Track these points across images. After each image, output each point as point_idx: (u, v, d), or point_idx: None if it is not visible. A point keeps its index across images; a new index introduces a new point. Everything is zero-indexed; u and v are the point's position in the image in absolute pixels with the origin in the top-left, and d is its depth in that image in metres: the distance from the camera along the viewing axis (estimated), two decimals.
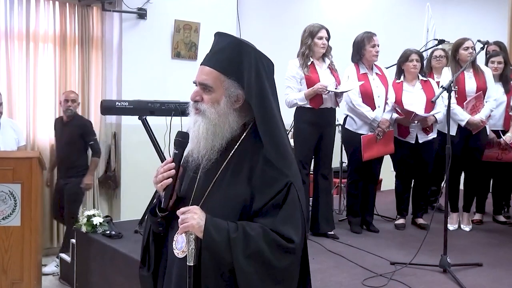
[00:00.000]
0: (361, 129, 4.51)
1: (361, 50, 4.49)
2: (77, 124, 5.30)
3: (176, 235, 1.61)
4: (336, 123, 4.60)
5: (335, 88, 4.30)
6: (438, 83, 4.77)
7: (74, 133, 5.26)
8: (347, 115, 4.56)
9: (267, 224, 1.52)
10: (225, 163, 1.61)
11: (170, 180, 1.59)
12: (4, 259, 4.07)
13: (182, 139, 1.64)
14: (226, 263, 1.49)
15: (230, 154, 1.62)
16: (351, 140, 4.57)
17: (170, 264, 1.65)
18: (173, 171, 1.60)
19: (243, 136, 1.63)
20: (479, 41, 4.38)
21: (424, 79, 4.74)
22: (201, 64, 1.65)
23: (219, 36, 1.67)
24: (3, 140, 4.59)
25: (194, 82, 1.65)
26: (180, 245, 1.59)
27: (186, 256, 1.55)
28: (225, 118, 1.60)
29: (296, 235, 1.53)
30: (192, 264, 1.51)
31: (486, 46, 4.53)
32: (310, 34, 4.30)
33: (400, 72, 4.80)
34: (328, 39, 4.35)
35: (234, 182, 1.58)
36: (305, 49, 4.29)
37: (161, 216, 1.63)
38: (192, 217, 1.51)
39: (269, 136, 1.58)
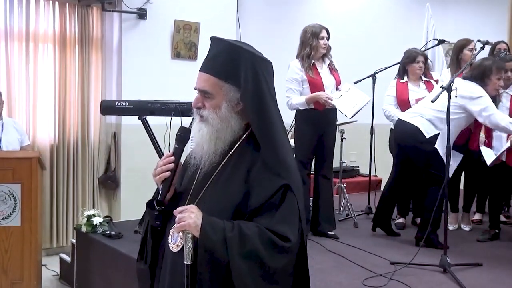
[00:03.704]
0: None
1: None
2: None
3: (172, 229, 1.62)
4: (339, 122, 4.59)
5: (340, 96, 4.29)
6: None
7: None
8: (439, 133, 4.03)
9: (264, 224, 1.53)
10: (223, 162, 1.63)
11: (168, 173, 1.63)
12: (4, 259, 4.07)
13: (183, 134, 1.68)
14: (222, 262, 1.50)
15: (229, 154, 1.64)
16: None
17: (165, 258, 1.68)
18: (172, 165, 1.64)
19: (243, 137, 1.64)
20: (479, 41, 4.38)
21: (427, 79, 4.74)
22: (199, 70, 1.66)
23: (213, 41, 1.67)
24: (6, 140, 4.59)
25: (195, 89, 1.66)
26: (175, 239, 1.61)
27: (180, 250, 1.57)
28: (227, 122, 1.62)
29: (292, 234, 1.54)
30: (189, 263, 1.53)
31: (485, 45, 4.52)
32: (314, 34, 4.29)
33: (404, 72, 4.80)
34: (328, 39, 4.35)
35: (230, 181, 1.60)
36: (309, 50, 4.28)
37: (158, 210, 1.65)
38: (189, 216, 1.52)
39: (265, 138, 1.59)
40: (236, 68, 1.60)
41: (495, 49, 5.04)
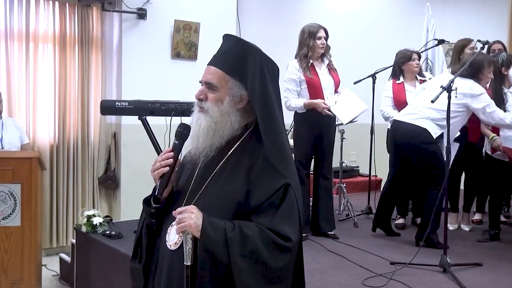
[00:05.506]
0: None
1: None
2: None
3: (169, 228, 1.62)
4: (337, 123, 4.59)
5: (336, 102, 4.30)
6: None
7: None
8: (442, 133, 4.03)
9: (264, 223, 1.53)
10: (223, 160, 1.64)
11: (167, 168, 1.62)
12: (4, 259, 4.07)
13: (183, 130, 1.68)
14: (223, 263, 1.50)
15: (230, 152, 1.64)
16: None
17: (162, 257, 1.67)
18: (171, 160, 1.63)
19: (244, 136, 1.66)
20: (479, 41, 4.38)
21: (423, 78, 4.75)
22: (208, 64, 1.69)
23: (226, 37, 1.71)
24: (7, 138, 4.59)
25: (200, 82, 1.68)
26: (173, 238, 1.61)
27: (178, 248, 1.57)
28: (227, 117, 1.62)
29: (293, 233, 1.55)
30: (189, 264, 1.52)
31: (486, 45, 4.52)
32: (311, 34, 4.28)
33: (399, 73, 4.79)
34: (326, 38, 4.34)
35: (232, 178, 1.60)
36: (306, 50, 4.27)
37: (155, 207, 1.65)
38: (190, 216, 1.52)
39: (270, 137, 1.60)
40: (244, 65, 1.63)
41: (490, 50, 5.04)
